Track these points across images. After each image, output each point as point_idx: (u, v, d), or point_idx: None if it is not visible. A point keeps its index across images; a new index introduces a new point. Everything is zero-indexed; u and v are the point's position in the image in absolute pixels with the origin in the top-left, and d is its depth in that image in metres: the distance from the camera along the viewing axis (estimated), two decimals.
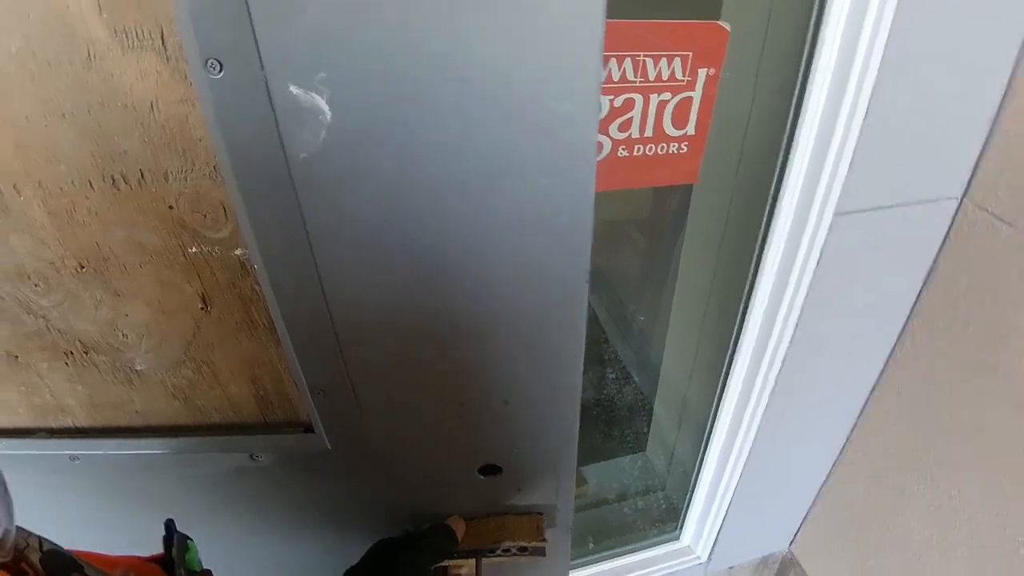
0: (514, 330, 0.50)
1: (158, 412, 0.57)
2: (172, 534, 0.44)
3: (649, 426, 1.62)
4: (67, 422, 0.59)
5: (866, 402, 1.07)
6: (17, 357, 0.54)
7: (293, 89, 0.37)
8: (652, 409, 1.61)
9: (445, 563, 0.64)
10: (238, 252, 0.47)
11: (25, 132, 0.42)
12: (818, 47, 0.66)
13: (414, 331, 0.49)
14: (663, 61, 0.67)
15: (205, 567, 0.46)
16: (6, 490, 0.30)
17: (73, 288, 0.49)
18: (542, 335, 0.50)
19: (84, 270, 0.48)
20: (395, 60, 0.37)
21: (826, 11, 0.64)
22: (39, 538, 0.33)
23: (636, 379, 1.79)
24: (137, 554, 0.43)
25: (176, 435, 0.58)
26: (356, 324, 0.48)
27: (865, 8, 0.61)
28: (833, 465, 1.22)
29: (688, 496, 1.33)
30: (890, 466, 1.05)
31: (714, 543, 1.33)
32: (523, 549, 0.65)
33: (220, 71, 0.36)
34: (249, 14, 0.34)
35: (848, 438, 1.14)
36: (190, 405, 0.57)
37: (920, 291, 0.89)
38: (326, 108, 0.38)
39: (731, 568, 1.46)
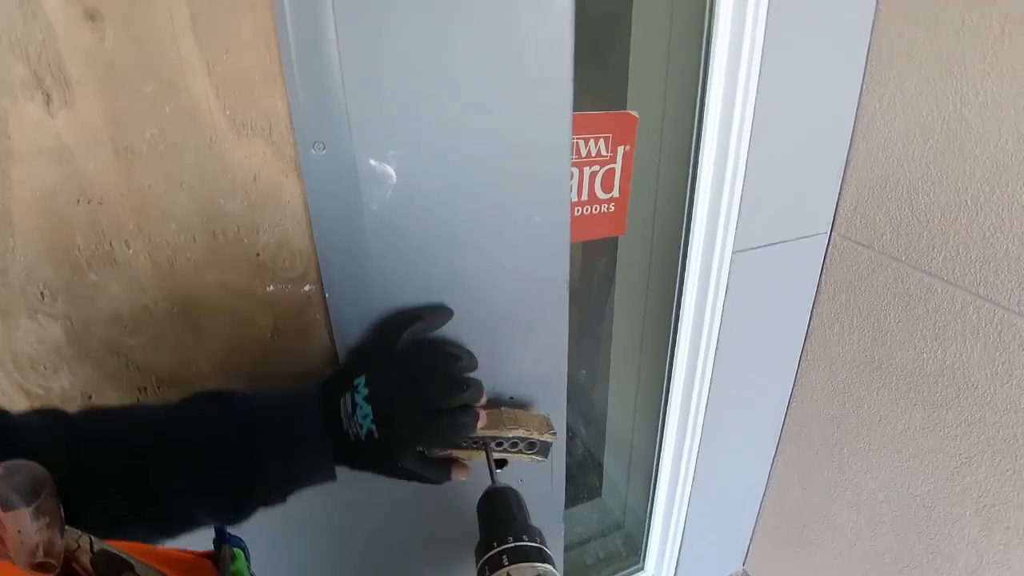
0: (514, 325, 0.66)
1: None
2: (222, 542, 0.42)
3: (601, 474, 1.75)
4: None
5: (785, 413, 1.27)
6: (91, 397, 0.63)
7: (372, 161, 0.53)
8: (602, 459, 1.75)
9: (450, 451, 0.62)
10: (306, 288, 0.60)
11: (146, 198, 0.55)
12: (704, 124, 0.90)
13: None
14: (591, 142, 0.89)
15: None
16: (56, 499, 0.30)
17: (161, 328, 0.60)
18: (534, 329, 0.67)
19: (174, 311, 0.59)
20: (441, 143, 0.54)
21: (707, 96, 0.88)
22: (89, 538, 0.33)
23: (584, 432, 1.94)
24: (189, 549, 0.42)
25: None
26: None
27: (734, 92, 0.85)
28: (768, 479, 1.39)
29: (646, 529, 1.45)
30: (814, 467, 1.23)
31: (675, 569, 1.44)
32: (531, 445, 0.65)
33: (324, 150, 0.52)
34: (347, 111, 0.51)
35: (776, 450, 1.33)
36: None
37: (812, 309, 1.13)
38: (393, 174, 0.54)
39: None
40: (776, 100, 0.87)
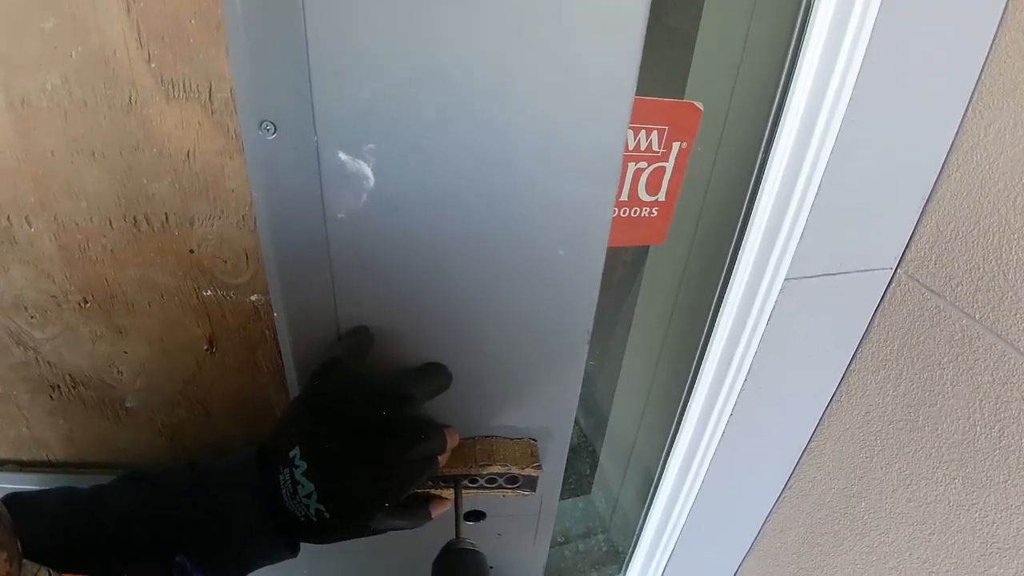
0: (510, 377, 0.53)
1: (141, 450, 0.56)
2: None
3: (594, 469, 1.65)
4: (41, 455, 0.56)
5: (804, 452, 1.15)
6: None
7: (342, 155, 0.39)
8: (597, 452, 1.65)
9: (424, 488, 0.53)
10: (253, 298, 0.48)
11: (48, 167, 0.42)
12: (780, 127, 0.74)
13: None
14: (642, 133, 0.73)
15: None
16: (12, 533, 0.30)
17: (72, 322, 0.48)
18: (537, 384, 0.54)
19: (87, 305, 0.48)
20: (439, 139, 0.40)
21: (790, 94, 0.72)
22: (48, 571, 0.32)
23: (582, 422, 1.84)
24: None
25: None
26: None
27: (822, 97, 0.69)
28: (771, 512, 1.29)
29: (634, 540, 1.36)
30: (825, 514, 1.12)
31: None
32: (512, 480, 0.55)
33: (274, 133, 0.38)
34: (310, 86, 0.37)
35: (786, 486, 1.22)
36: (176, 444, 0.56)
37: (856, 351, 0.99)
38: (371, 174, 0.40)
39: None
40: (872, 107, 0.70)
